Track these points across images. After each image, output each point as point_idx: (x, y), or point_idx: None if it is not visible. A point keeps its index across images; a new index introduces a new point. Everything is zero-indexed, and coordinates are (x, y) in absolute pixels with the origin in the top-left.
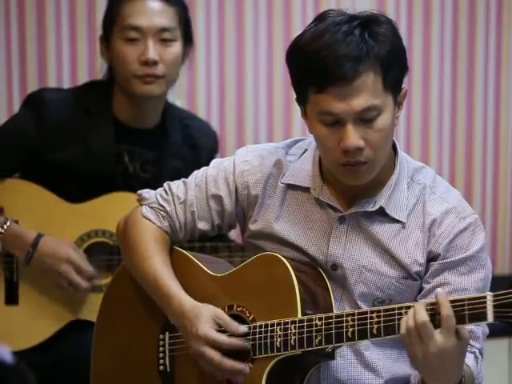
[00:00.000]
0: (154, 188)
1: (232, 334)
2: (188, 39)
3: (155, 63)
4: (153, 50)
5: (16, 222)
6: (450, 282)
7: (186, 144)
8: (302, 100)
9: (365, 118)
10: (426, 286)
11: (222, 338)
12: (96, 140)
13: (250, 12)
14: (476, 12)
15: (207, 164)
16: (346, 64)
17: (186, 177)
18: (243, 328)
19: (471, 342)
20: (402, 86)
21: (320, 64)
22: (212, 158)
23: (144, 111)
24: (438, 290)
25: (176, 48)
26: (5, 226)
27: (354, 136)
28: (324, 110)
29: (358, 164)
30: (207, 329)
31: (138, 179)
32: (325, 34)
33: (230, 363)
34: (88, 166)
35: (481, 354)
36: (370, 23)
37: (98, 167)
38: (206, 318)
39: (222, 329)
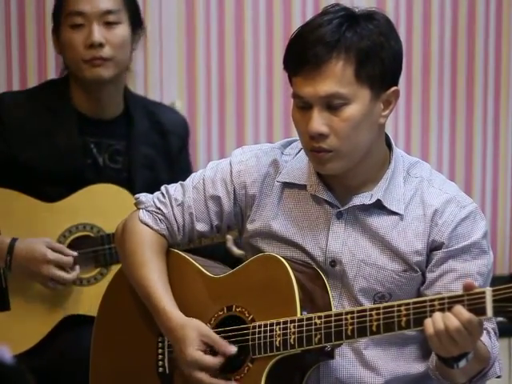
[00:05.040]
0: (126, 178)
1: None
2: (136, 23)
3: (101, 45)
4: (97, 33)
5: None
6: (455, 268)
7: (154, 130)
8: (292, 87)
9: (331, 105)
10: (431, 275)
11: (209, 360)
12: (60, 136)
13: (250, 11)
14: (476, 10)
15: (178, 150)
16: (316, 48)
17: (159, 164)
18: (233, 348)
19: (484, 322)
20: (395, 87)
21: (297, 47)
22: (183, 143)
23: (101, 100)
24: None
25: (121, 30)
26: None
27: (317, 121)
28: (295, 93)
29: (322, 151)
30: (195, 352)
31: (109, 171)
32: (312, 22)
33: (220, 382)
34: (56, 162)
35: (495, 333)
36: (358, 18)
37: (66, 163)
38: (191, 340)
39: (209, 348)
